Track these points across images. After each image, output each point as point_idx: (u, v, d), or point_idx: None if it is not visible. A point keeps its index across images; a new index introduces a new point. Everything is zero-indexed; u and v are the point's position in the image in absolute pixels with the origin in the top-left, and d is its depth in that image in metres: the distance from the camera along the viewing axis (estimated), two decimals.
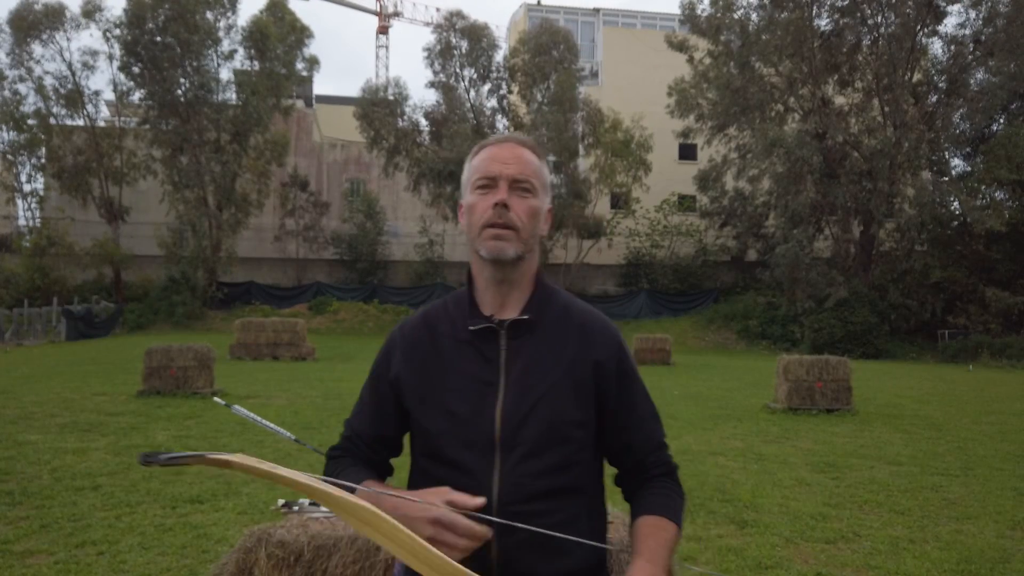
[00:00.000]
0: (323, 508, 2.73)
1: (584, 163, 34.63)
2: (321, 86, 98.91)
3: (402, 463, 1.56)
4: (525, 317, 1.40)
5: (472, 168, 1.44)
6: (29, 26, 32.13)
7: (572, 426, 1.36)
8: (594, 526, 1.41)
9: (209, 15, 32.62)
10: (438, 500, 1.25)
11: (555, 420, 1.35)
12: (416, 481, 1.44)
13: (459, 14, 33.19)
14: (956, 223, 28.83)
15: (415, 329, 1.47)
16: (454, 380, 1.39)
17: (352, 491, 1.33)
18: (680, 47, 31.98)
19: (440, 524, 1.22)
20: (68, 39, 33.59)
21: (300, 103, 39.61)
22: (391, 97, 33.77)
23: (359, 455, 1.49)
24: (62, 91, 33.42)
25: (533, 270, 1.46)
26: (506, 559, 1.30)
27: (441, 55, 33.23)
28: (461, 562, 1.14)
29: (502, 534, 1.28)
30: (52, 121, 33.59)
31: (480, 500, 1.25)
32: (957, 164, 31.93)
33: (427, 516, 1.23)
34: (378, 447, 1.50)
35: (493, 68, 33.85)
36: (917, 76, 29.20)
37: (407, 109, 34.19)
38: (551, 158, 33.02)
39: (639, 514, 1.41)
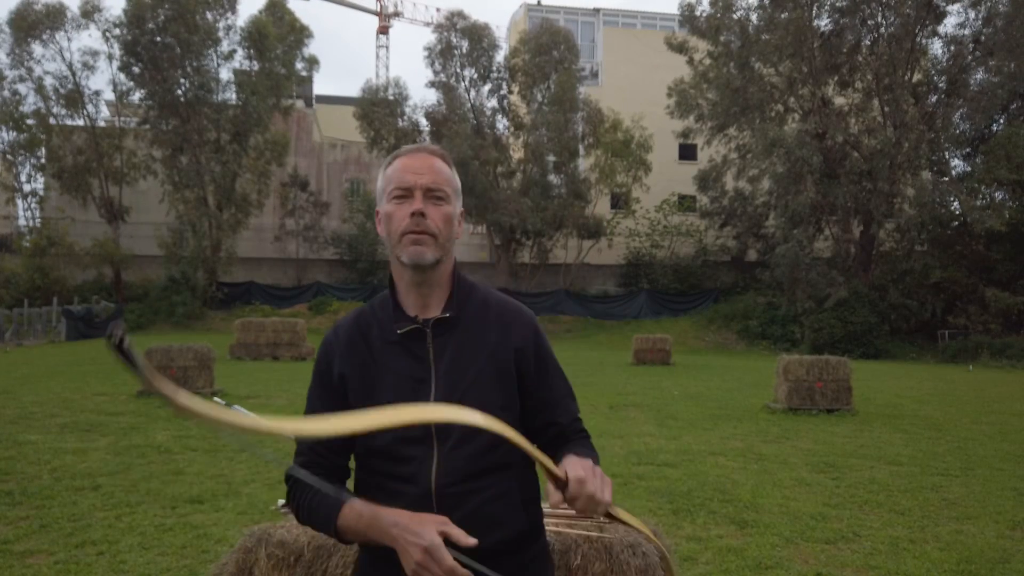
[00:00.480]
0: None
1: (584, 163, 34.64)
2: (321, 86, 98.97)
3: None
4: (447, 315, 1.50)
5: (386, 178, 1.53)
6: (29, 26, 32.13)
7: (497, 410, 1.44)
8: (526, 496, 1.52)
9: (209, 15, 32.63)
10: (434, 528, 1.30)
11: (481, 407, 1.42)
12: (362, 479, 1.52)
13: (459, 14, 33.22)
14: (956, 223, 28.83)
15: (349, 331, 1.55)
16: (390, 379, 1.48)
17: (337, 509, 1.41)
18: (680, 49, 31.96)
19: (429, 554, 1.28)
20: (68, 39, 33.63)
21: (300, 103, 39.62)
22: (391, 97, 33.79)
23: (322, 466, 1.52)
24: (62, 91, 33.42)
25: (450, 271, 1.55)
26: (445, 535, 1.36)
27: (441, 55, 33.24)
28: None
29: (441, 514, 1.37)
30: (52, 121, 33.60)
31: (472, 540, 1.30)
32: (957, 164, 31.95)
33: (420, 543, 1.29)
34: (339, 449, 1.54)
35: (493, 68, 33.87)
36: (917, 76, 29.19)
37: (407, 109, 34.25)
38: (551, 158, 33.07)
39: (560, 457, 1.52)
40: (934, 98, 29.06)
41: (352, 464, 1.59)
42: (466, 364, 1.47)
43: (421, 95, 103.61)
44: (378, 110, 32.77)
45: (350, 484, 1.56)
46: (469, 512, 1.40)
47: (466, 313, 1.53)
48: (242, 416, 1.13)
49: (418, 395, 1.45)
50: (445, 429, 1.44)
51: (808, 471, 7.11)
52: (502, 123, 35.15)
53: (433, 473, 1.42)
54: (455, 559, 1.29)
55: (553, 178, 33.75)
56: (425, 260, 1.46)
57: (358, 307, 1.61)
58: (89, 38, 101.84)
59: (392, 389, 1.46)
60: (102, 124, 35.16)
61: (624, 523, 1.38)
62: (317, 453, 1.54)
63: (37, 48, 32.92)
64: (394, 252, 1.50)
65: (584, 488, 1.28)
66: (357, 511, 1.41)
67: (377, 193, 1.56)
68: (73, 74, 33.36)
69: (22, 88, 33.16)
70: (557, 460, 1.51)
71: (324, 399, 1.54)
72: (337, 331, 1.58)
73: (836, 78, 29.56)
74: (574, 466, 1.31)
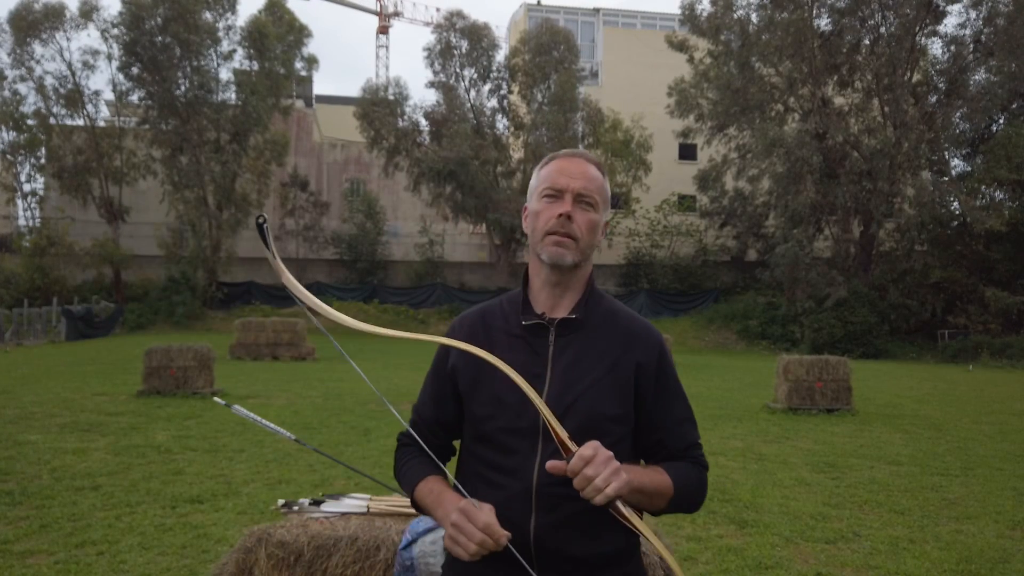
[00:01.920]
0: (323, 508, 2.73)
1: None
2: (321, 86, 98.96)
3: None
4: (573, 316, 1.52)
5: (540, 177, 1.57)
6: (29, 26, 32.13)
7: (610, 420, 1.47)
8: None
9: (208, 15, 32.62)
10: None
11: (594, 413, 1.45)
12: (465, 461, 1.57)
13: (459, 14, 33.20)
14: (956, 223, 28.81)
15: (472, 323, 1.60)
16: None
17: (418, 480, 1.54)
18: (680, 47, 31.97)
19: (464, 513, 1.34)
20: (68, 39, 33.63)
21: (300, 103, 39.61)
22: (391, 97, 33.76)
23: (424, 438, 1.61)
24: (62, 91, 33.41)
25: (586, 276, 1.58)
26: (541, 538, 1.40)
27: (441, 55, 33.23)
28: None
29: (539, 513, 1.40)
30: (52, 121, 33.58)
31: (507, 534, 1.34)
32: (957, 164, 31.92)
33: (458, 504, 1.37)
34: (438, 430, 1.62)
35: (493, 68, 33.86)
36: (917, 76, 29.19)
37: (407, 109, 34.21)
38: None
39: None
40: (934, 98, 29.04)
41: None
42: (585, 368, 1.48)
43: (421, 95, 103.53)
44: (378, 110, 32.75)
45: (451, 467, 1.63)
46: (567, 517, 1.40)
47: (593, 318, 1.54)
48: (322, 304, 1.43)
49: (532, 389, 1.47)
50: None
51: (808, 471, 7.10)
52: (502, 123, 35.16)
53: (536, 469, 1.42)
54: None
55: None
56: (564, 261, 1.49)
57: (486, 302, 1.66)
58: (88, 38, 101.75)
59: (506, 381, 1.45)
60: (102, 124, 35.16)
61: (627, 521, 1.37)
62: (419, 428, 1.62)
63: (37, 48, 32.94)
64: (535, 248, 1.54)
65: (585, 469, 1.28)
66: (430, 487, 1.49)
67: (529, 190, 1.60)
68: (73, 74, 33.36)
69: (22, 88, 33.22)
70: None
71: (435, 385, 1.60)
72: (462, 321, 1.61)
73: (836, 78, 29.55)
74: (588, 446, 1.31)
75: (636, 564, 1.55)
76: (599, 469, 1.29)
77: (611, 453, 1.32)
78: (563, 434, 1.33)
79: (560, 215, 1.48)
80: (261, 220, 1.32)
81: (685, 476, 1.51)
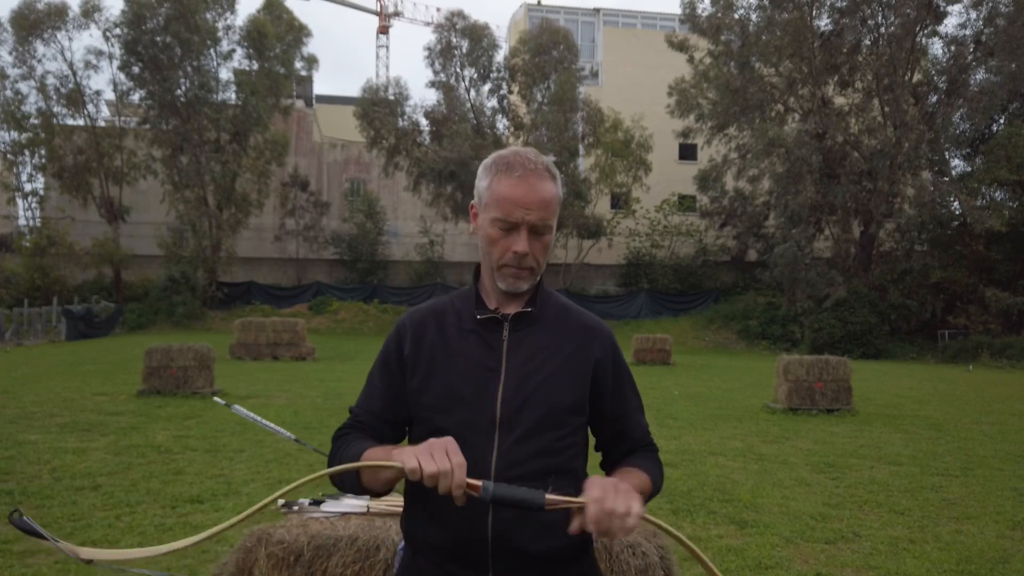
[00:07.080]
0: (323, 508, 2.73)
1: (584, 163, 34.64)
2: (321, 86, 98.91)
3: None
4: (528, 310, 1.52)
5: (492, 196, 1.46)
6: (31, 25, 32.16)
7: (567, 412, 1.48)
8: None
9: (208, 15, 32.62)
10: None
11: (553, 405, 1.46)
12: None
13: (459, 14, 33.21)
14: (956, 223, 28.82)
15: (424, 317, 1.57)
16: (459, 364, 1.49)
17: (361, 451, 1.42)
18: (680, 47, 31.98)
19: (445, 443, 1.27)
20: (70, 38, 33.68)
21: (300, 103, 39.62)
22: (391, 97, 33.77)
23: (367, 431, 1.53)
24: (63, 91, 33.43)
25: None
26: (500, 534, 1.38)
27: (441, 55, 33.24)
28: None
29: (498, 508, 1.37)
30: (53, 121, 33.59)
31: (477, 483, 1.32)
32: (957, 164, 31.94)
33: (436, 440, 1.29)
34: (386, 427, 1.54)
35: (493, 68, 33.86)
36: (917, 76, 29.19)
37: (407, 109, 34.22)
38: (551, 158, 33.00)
39: (619, 469, 1.55)
40: (934, 98, 29.05)
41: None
42: (540, 362, 1.48)
43: (421, 95, 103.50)
44: (378, 110, 32.76)
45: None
46: (525, 512, 1.33)
47: (547, 313, 1.54)
48: (138, 552, 1.30)
49: (487, 383, 1.46)
50: (511, 419, 1.43)
51: (808, 471, 7.10)
52: (502, 123, 35.15)
53: (493, 465, 1.41)
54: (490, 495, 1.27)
55: None
56: (521, 289, 1.49)
57: (436, 299, 1.63)
58: (90, 38, 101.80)
59: (460, 374, 1.47)
60: (103, 124, 35.17)
61: (658, 525, 1.35)
62: (362, 421, 1.54)
63: (39, 47, 32.96)
64: (490, 270, 1.51)
65: (604, 504, 1.23)
66: (376, 452, 1.41)
67: (477, 191, 1.52)
68: (74, 73, 33.39)
69: (24, 87, 33.25)
70: (616, 468, 1.56)
71: (386, 376, 1.54)
72: (412, 315, 1.59)
73: (836, 78, 29.55)
74: (591, 486, 1.27)
75: (591, 562, 1.55)
76: (616, 499, 1.24)
77: (613, 479, 1.29)
78: (569, 501, 1.28)
79: (516, 252, 1.44)
80: (16, 516, 1.22)
81: (655, 469, 1.56)
